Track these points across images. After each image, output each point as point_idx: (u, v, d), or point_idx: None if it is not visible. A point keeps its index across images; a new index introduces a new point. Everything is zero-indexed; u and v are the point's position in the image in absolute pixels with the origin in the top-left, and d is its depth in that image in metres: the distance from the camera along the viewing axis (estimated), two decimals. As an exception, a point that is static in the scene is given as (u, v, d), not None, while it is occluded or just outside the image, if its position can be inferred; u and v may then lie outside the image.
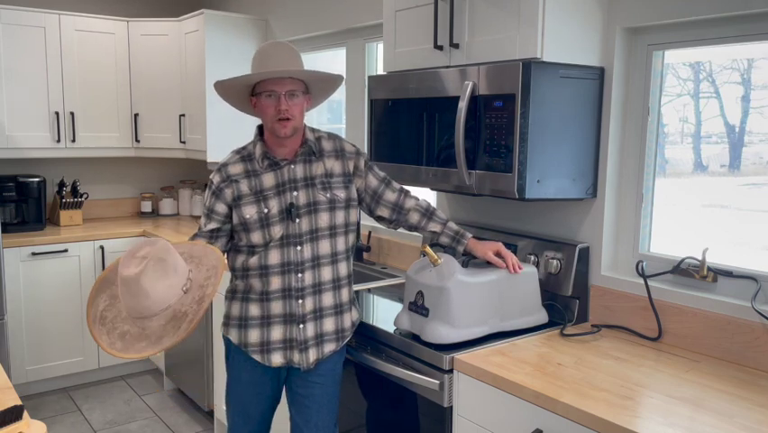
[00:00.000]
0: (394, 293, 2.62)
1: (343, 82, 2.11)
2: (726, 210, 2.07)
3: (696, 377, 1.80)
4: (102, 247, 3.97)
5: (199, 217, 4.57)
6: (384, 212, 2.15)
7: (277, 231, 2.00)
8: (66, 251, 3.86)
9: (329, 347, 2.07)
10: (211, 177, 2.06)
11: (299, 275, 2.01)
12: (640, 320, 2.14)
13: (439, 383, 1.93)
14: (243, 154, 2.06)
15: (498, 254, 2.10)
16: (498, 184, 2.03)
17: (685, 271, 2.08)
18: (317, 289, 2.03)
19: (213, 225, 2.04)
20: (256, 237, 2.00)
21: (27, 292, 3.78)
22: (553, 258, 2.27)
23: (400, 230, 2.28)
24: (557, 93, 2.03)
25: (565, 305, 2.26)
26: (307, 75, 1.97)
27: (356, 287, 2.70)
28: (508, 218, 2.56)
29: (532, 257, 2.33)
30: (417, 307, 2.07)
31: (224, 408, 2.21)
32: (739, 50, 1.98)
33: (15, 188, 3.93)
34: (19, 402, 1.51)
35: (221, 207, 2.03)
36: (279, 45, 2.01)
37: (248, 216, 2.00)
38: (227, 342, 2.14)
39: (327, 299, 2.05)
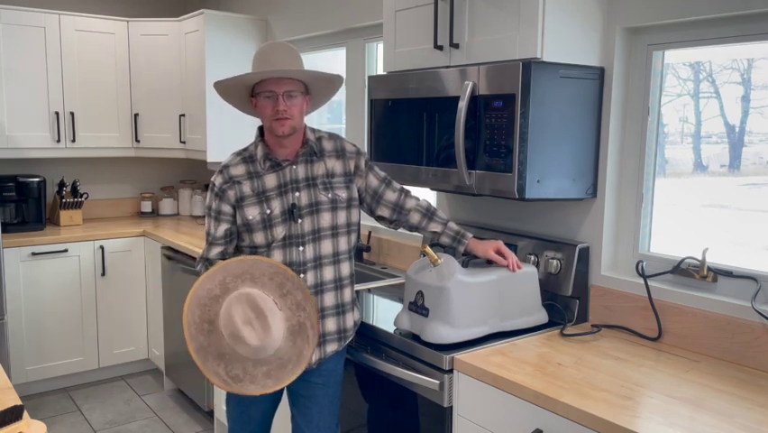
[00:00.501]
0: (394, 293, 2.62)
1: (343, 83, 2.10)
2: (726, 210, 2.07)
3: (696, 377, 1.80)
4: (102, 247, 3.97)
5: (199, 217, 4.57)
6: (384, 212, 2.15)
7: (279, 231, 2.00)
8: (66, 251, 3.86)
9: (331, 347, 2.07)
10: (212, 179, 2.06)
11: (302, 275, 2.01)
12: (640, 320, 2.14)
13: (439, 383, 1.93)
14: (245, 156, 2.06)
15: (498, 252, 2.11)
16: (498, 184, 2.03)
17: (685, 271, 2.08)
18: (319, 289, 2.03)
19: (225, 227, 2.03)
20: (259, 238, 2.00)
21: (27, 292, 3.78)
22: (553, 258, 2.27)
23: (400, 230, 2.28)
24: (557, 93, 2.03)
25: (565, 305, 2.26)
26: (305, 75, 1.96)
27: (356, 287, 2.70)
28: (508, 218, 2.56)
29: (532, 257, 2.33)
30: (417, 307, 2.07)
31: (224, 408, 2.21)
32: (739, 50, 1.98)
33: (15, 188, 3.93)
34: (19, 402, 1.51)
35: (227, 208, 2.03)
36: (279, 45, 2.00)
37: (250, 218, 2.00)
38: (227, 342, 2.13)
39: (329, 299, 2.05)
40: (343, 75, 3.41)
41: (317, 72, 1.98)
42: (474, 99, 2.06)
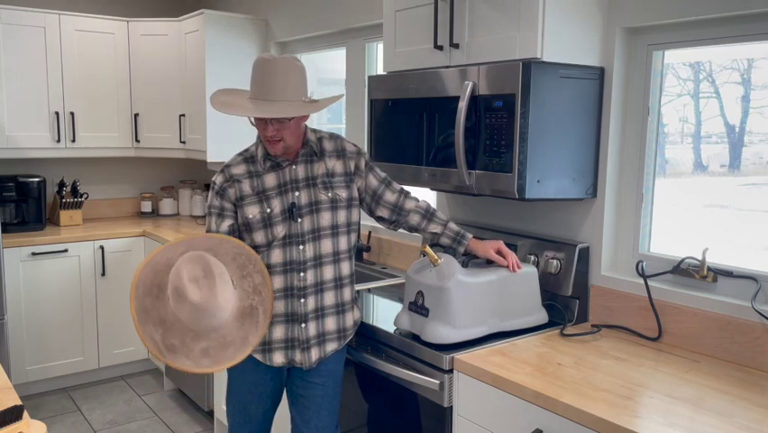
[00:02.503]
0: (394, 293, 2.62)
1: (344, 96, 2.08)
2: (726, 210, 2.07)
3: (696, 377, 1.80)
4: (102, 247, 3.97)
5: (199, 217, 4.57)
6: (384, 213, 2.16)
7: (279, 231, 2.00)
8: (66, 251, 3.86)
9: (331, 346, 2.07)
10: (214, 178, 2.06)
11: (301, 274, 2.01)
12: (640, 320, 2.14)
13: (439, 383, 1.93)
14: (246, 156, 2.07)
15: (498, 252, 2.11)
16: (498, 184, 2.03)
17: (685, 271, 2.08)
18: (319, 288, 2.04)
19: (229, 222, 2.04)
20: (259, 237, 2.01)
21: (27, 292, 3.78)
22: (553, 258, 2.27)
23: (400, 230, 2.28)
24: (557, 93, 2.03)
25: (565, 305, 2.26)
26: (293, 114, 1.89)
27: (356, 287, 2.70)
28: (508, 218, 2.56)
29: (532, 257, 2.33)
30: (417, 307, 2.07)
31: (225, 408, 2.21)
32: (739, 50, 1.98)
33: (15, 188, 3.93)
34: (19, 402, 1.51)
35: (228, 205, 2.04)
36: (276, 67, 1.90)
37: (250, 216, 2.00)
38: (227, 342, 2.14)
39: (329, 298, 2.06)
40: (343, 75, 3.42)
41: (309, 108, 1.91)
42: (474, 99, 2.06)
